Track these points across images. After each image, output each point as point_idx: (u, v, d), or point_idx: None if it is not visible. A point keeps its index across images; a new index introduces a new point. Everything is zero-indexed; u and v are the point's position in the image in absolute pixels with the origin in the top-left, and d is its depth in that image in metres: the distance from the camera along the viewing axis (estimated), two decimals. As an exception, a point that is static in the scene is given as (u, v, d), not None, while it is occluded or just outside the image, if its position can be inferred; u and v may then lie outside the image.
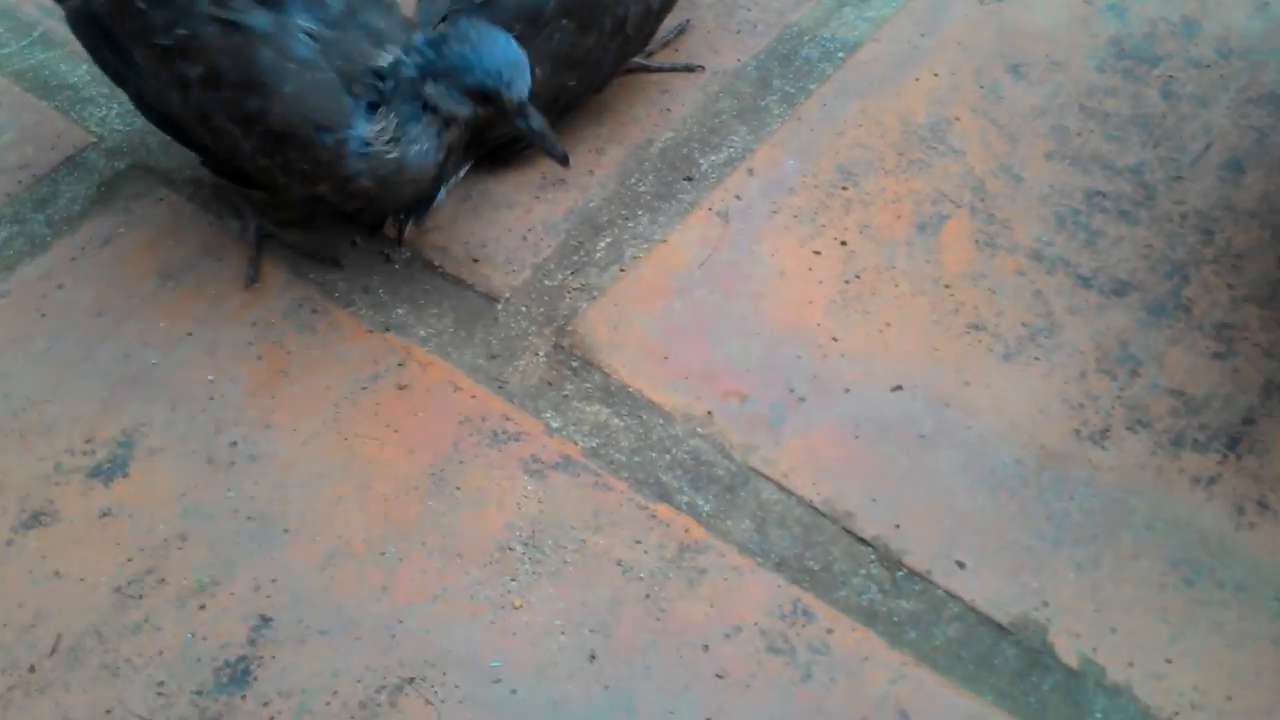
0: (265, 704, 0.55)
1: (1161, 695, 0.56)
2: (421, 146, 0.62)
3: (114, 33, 0.66)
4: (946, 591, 0.58)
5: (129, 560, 0.58)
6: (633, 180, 0.74)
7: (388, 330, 0.66)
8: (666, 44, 0.80)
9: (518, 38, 0.62)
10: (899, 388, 0.65)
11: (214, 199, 0.71)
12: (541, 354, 0.66)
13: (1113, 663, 0.56)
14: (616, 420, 0.64)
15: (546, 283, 0.69)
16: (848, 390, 0.65)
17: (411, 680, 0.55)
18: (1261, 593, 0.59)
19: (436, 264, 0.69)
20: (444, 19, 0.67)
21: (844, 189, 0.73)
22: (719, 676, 0.56)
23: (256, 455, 0.62)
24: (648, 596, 0.58)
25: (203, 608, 0.57)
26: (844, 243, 0.71)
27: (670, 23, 0.79)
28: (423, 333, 0.67)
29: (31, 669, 0.55)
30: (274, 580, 0.58)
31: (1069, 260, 0.70)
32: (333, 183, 0.64)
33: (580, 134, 0.75)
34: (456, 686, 0.55)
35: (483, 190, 0.73)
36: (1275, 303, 0.69)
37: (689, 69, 0.79)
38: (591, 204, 0.73)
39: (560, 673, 0.56)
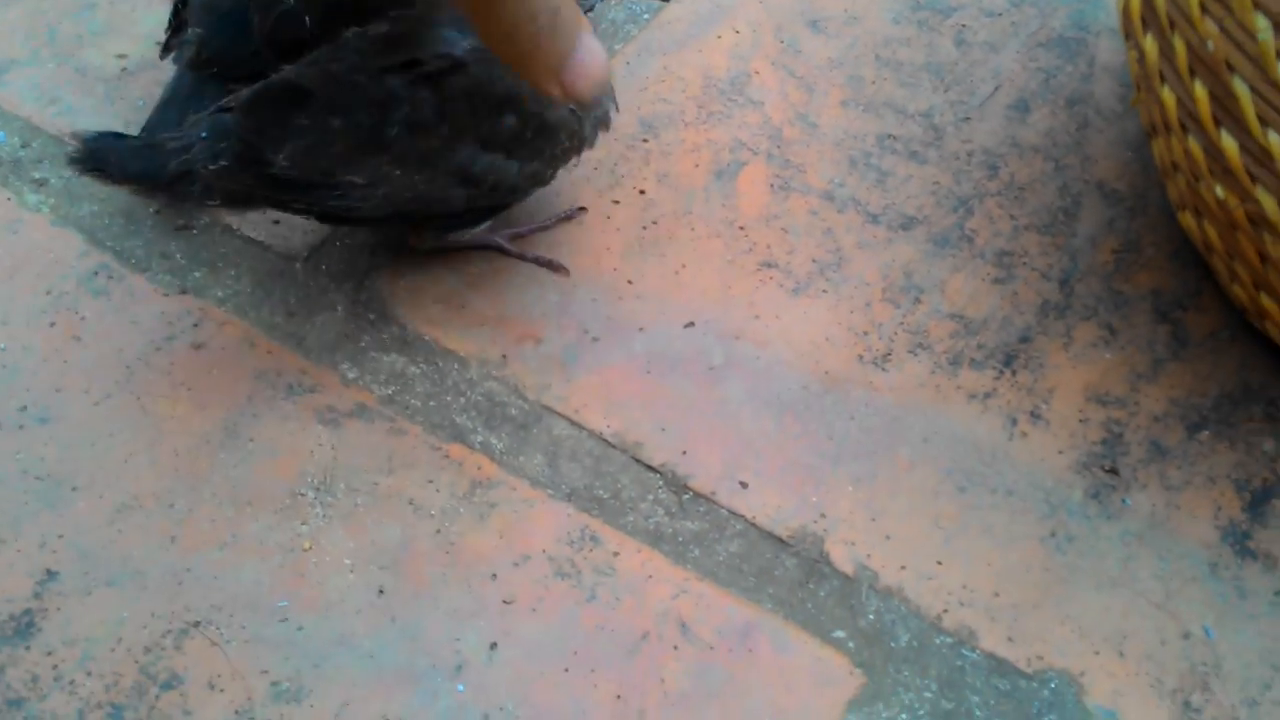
0: (49, 653, 0.55)
1: (931, 595, 0.58)
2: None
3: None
4: (729, 510, 0.60)
5: (-83, 527, 0.58)
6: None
7: (184, 293, 0.67)
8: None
9: None
10: (691, 324, 0.67)
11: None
12: (340, 309, 0.67)
13: (886, 567, 0.58)
14: (413, 368, 0.65)
15: (347, 241, 0.70)
16: (641, 329, 0.67)
17: (197, 624, 0.56)
18: (1031, 496, 0.61)
19: (235, 227, 0.70)
20: None
21: (644, 141, 0.75)
22: (506, 602, 0.57)
23: (46, 418, 0.62)
24: (438, 532, 0.59)
25: (-13, 566, 0.57)
26: (642, 191, 0.73)
27: None
28: (220, 294, 0.67)
29: None
30: (60, 536, 0.58)
31: (859, 199, 0.73)
32: (578, 141, 0.65)
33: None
34: (243, 627, 0.56)
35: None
36: (1054, 229, 0.72)
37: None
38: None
39: (348, 608, 0.57)
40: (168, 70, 0.73)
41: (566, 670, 0.55)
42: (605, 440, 0.63)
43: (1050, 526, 0.60)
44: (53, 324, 0.65)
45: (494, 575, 0.58)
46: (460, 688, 0.55)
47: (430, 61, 0.60)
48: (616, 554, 0.59)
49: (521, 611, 0.57)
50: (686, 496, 0.61)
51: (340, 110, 0.59)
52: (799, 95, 0.78)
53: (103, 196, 0.71)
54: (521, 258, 0.69)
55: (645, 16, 0.83)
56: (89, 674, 0.54)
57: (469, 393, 0.64)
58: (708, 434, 0.63)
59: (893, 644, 0.56)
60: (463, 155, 0.62)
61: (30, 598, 0.56)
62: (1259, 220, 0.57)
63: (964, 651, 0.56)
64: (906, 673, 0.55)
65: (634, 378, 0.65)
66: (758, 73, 0.79)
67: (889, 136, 0.76)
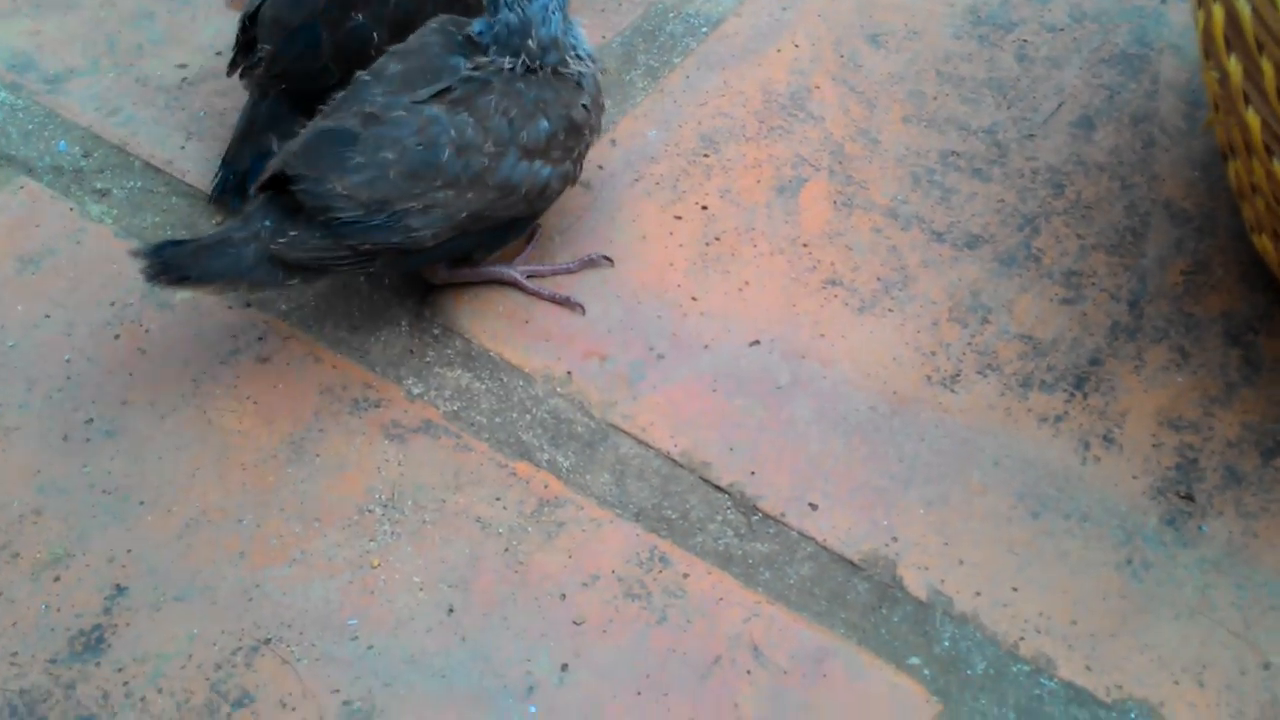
0: (119, 670, 0.54)
1: (1007, 622, 0.57)
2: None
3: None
4: (800, 533, 0.60)
5: (-16, 539, 0.58)
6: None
7: (248, 306, 0.67)
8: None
9: None
10: (756, 342, 0.67)
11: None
12: (404, 324, 0.67)
13: (960, 593, 0.58)
14: (477, 384, 0.65)
15: (410, 255, 0.70)
16: (706, 346, 0.66)
17: (268, 641, 0.55)
18: (1105, 522, 0.60)
19: (299, 240, 0.70)
20: None
21: (705, 156, 0.75)
22: (576, 624, 0.57)
23: (113, 431, 0.62)
24: (506, 550, 0.59)
25: (57, 579, 0.57)
26: (704, 207, 0.72)
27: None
28: (284, 307, 0.67)
29: (-118, 650, 0.55)
30: (129, 551, 0.58)
31: (923, 217, 0.72)
32: (595, 135, 0.68)
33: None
34: (313, 645, 0.55)
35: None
36: (1122, 249, 0.71)
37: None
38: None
39: (418, 627, 0.56)
40: (229, 83, 0.73)
41: (639, 694, 0.55)
42: (673, 459, 0.62)
43: (1126, 553, 0.59)
44: (117, 336, 0.65)
45: (563, 595, 0.57)
46: (532, 709, 0.54)
47: (458, 87, 0.62)
48: (686, 575, 0.58)
49: (592, 632, 0.56)
50: (756, 518, 0.60)
51: (389, 144, 0.61)
52: (860, 110, 0.78)
53: (165, 208, 0.71)
54: (538, 295, 0.68)
55: (704, 30, 0.82)
56: (160, 691, 0.54)
57: (534, 409, 0.64)
58: (776, 454, 0.62)
59: (969, 672, 0.55)
60: (505, 167, 0.63)
61: (100, 613, 0.56)
62: (1344, 245, 0.56)
63: (1042, 680, 0.55)
64: (984, 701, 0.55)
65: (700, 396, 0.64)
66: (818, 87, 0.79)
67: (952, 153, 0.76)
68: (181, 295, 0.66)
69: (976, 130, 0.77)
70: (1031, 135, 0.77)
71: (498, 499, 0.60)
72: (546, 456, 0.62)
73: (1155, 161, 0.75)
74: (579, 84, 0.65)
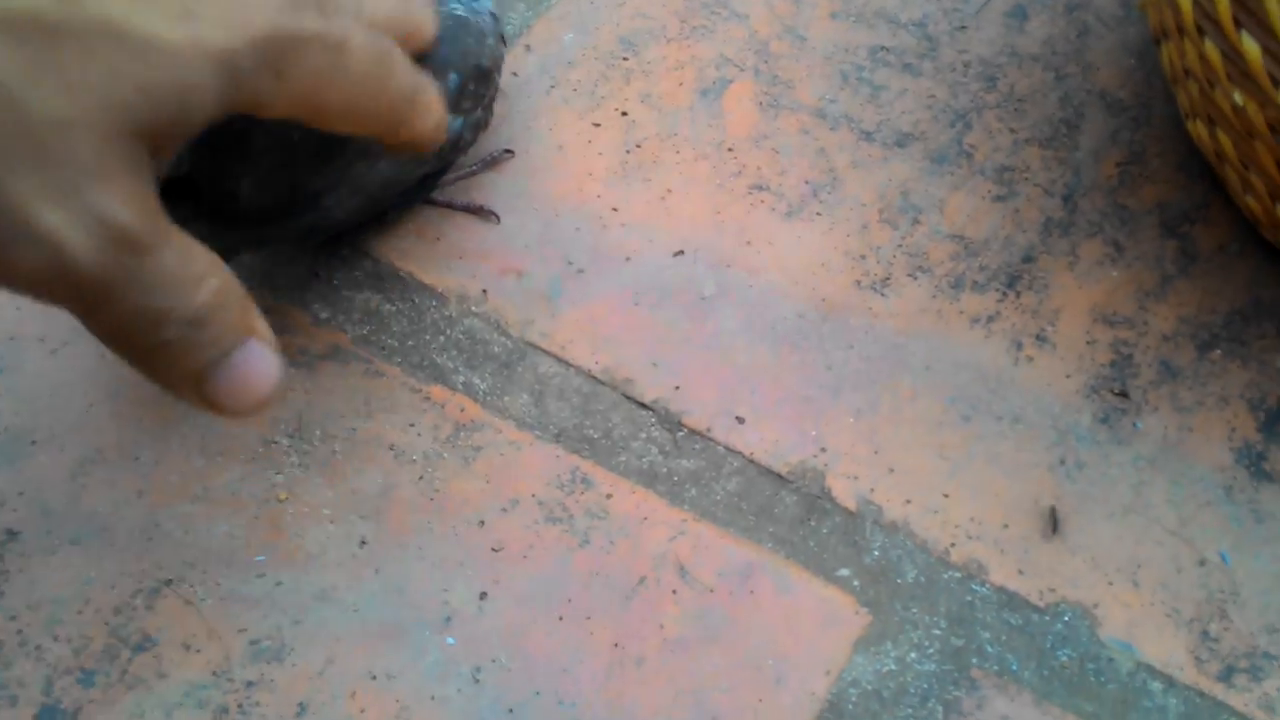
0: (12, 618, 0.52)
1: (938, 529, 0.55)
2: None
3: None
4: (726, 447, 0.58)
5: None
6: (407, 66, 0.71)
7: (142, 232, 0.63)
8: None
9: None
10: (680, 253, 0.64)
11: None
12: (308, 246, 0.63)
13: (890, 501, 0.56)
14: (388, 305, 0.62)
15: (314, 174, 0.66)
16: (628, 259, 0.64)
17: (169, 582, 0.53)
18: (1038, 422, 0.59)
19: (194, 161, 0.66)
20: None
21: (625, 59, 0.71)
22: (495, 550, 0.55)
23: (1, 369, 0.58)
24: (421, 478, 0.56)
25: (-57, 528, 0.54)
26: (624, 113, 0.69)
27: None
28: (180, 232, 0.63)
29: None
30: (21, 494, 0.55)
31: (852, 116, 0.69)
32: (501, 62, 0.64)
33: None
34: (218, 584, 0.53)
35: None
36: (1056, 143, 0.69)
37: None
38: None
39: (329, 561, 0.54)
40: None
41: (561, 619, 0.53)
42: (594, 377, 0.60)
43: (1059, 454, 0.58)
44: (2, 269, 0.62)
45: (481, 522, 0.55)
46: (450, 640, 0.52)
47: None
48: (609, 496, 0.56)
49: (512, 559, 0.54)
50: (681, 434, 0.58)
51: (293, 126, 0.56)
52: (786, 7, 0.74)
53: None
54: (450, 205, 0.64)
55: (621, -74, 0.78)
56: (55, 638, 0.52)
57: (448, 331, 0.61)
58: (701, 368, 0.60)
59: (899, 581, 0.54)
60: None
61: (-9, 560, 0.53)
62: (1279, 126, 0.54)
63: (974, 586, 0.54)
64: (915, 610, 0.53)
65: (622, 311, 0.62)
66: (741, -16, 0.75)
67: (881, 49, 0.72)
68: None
69: (906, 24, 0.74)
70: (963, 27, 0.74)
71: (411, 425, 0.58)
72: (462, 379, 0.59)
73: (1089, 50, 0.72)
74: (480, 27, 0.61)
